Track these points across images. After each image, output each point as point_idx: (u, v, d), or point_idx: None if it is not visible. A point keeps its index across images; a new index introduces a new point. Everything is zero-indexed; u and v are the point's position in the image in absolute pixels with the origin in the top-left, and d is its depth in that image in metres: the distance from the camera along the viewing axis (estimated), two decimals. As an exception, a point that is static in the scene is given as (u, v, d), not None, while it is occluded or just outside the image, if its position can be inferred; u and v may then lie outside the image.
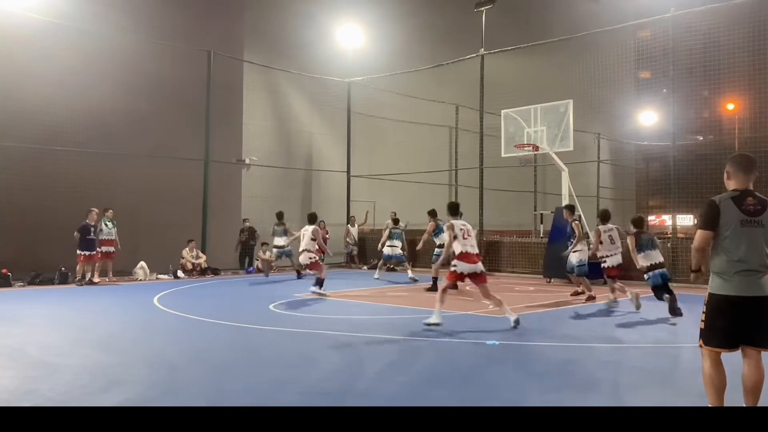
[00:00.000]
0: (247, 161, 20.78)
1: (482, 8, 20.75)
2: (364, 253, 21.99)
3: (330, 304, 11.88)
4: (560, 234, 15.13)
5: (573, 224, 12.60)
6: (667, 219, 28.58)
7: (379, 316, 10.50)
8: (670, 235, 17.53)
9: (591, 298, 12.35)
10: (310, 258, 12.96)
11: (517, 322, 9.08)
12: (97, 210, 15.64)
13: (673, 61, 17.44)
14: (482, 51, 20.06)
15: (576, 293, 13.17)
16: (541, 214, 25.13)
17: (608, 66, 31.24)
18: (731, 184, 4.63)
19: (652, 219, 38.68)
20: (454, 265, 9.18)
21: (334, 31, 23.24)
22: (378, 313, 10.94)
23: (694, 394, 5.48)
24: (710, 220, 4.51)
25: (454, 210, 9.72)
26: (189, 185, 18.59)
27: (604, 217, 11.89)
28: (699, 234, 4.58)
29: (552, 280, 16.14)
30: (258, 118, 21.35)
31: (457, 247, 9.17)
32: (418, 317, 10.29)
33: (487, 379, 6.32)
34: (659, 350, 7.89)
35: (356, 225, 22.04)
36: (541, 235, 21.29)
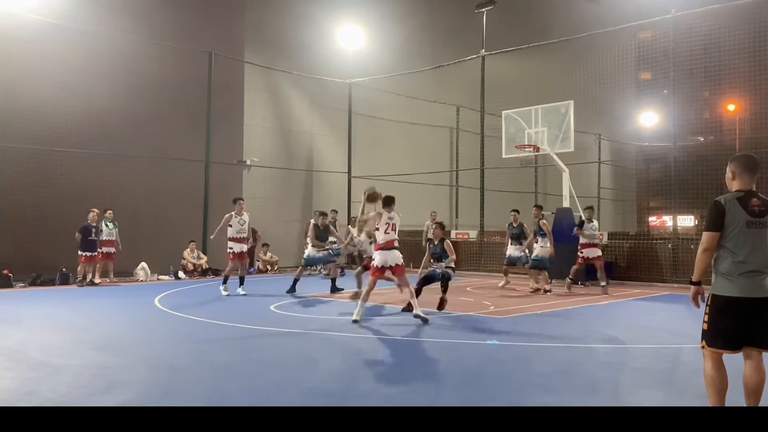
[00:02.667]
0: (248, 162, 20.77)
1: (483, 9, 20.77)
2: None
3: (331, 305, 11.87)
4: (562, 235, 15.17)
5: (541, 223, 13.88)
6: (667, 220, 28.56)
7: (379, 317, 10.48)
8: (671, 236, 17.54)
9: (546, 291, 13.54)
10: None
11: (424, 320, 9.39)
12: (97, 211, 15.64)
13: (674, 62, 17.44)
14: (483, 52, 20.07)
15: (536, 290, 13.98)
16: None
17: (609, 67, 31.24)
18: (735, 185, 4.61)
19: (652, 220, 38.65)
20: (373, 259, 9.54)
21: (334, 31, 23.24)
22: (379, 313, 10.92)
23: (694, 395, 5.48)
24: (716, 221, 4.49)
25: (387, 202, 9.90)
26: (190, 186, 18.59)
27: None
28: (705, 236, 4.54)
29: (553, 281, 16.13)
30: (259, 119, 21.36)
31: (379, 238, 9.58)
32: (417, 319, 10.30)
33: (488, 379, 6.31)
34: (659, 351, 7.87)
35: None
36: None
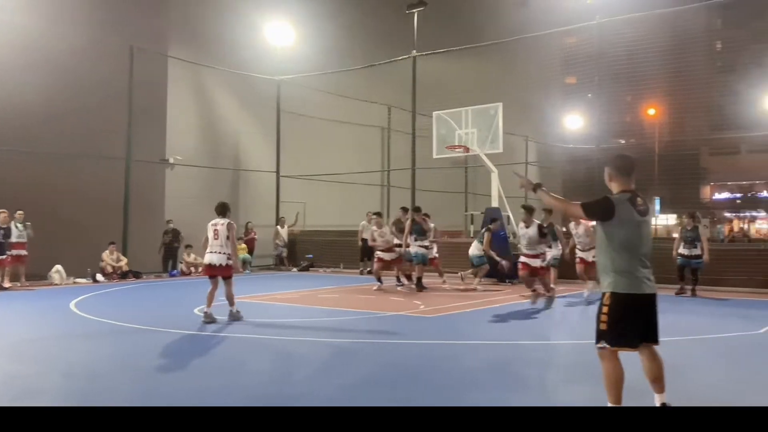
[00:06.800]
0: (171, 161, 20.05)
1: (414, 10, 20.80)
2: (294, 255, 21.61)
3: (259, 308, 11.53)
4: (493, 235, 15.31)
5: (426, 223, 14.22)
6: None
7: (309, 319, 10.26)
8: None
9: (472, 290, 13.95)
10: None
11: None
12: (6, 212, 14.75)
13: (598, 66, 17.90)
14: (414, 52, 20.07)
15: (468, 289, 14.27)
16: (472, 214, 25.43)
17: (537, 71, 31.96)
18: (615, 186, 4.65)
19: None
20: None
21: (262, 27, 22.76)
22: (309, 315, 10.70)
23: (635, 390, 5.51)
24: (603, 212, 4.50)
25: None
26: (110, 185, 17.86)
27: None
28: (578, 210, 4.62)
29: (482, 279, 16.26)
30: (183, 117, 20.68)
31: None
32: (350, 319, 10.16)
33: (418, 378, 6.23)
34: (587, 347, 7.93)
35: (286, 226, 21.64)
36: (471, 236, 21.48)
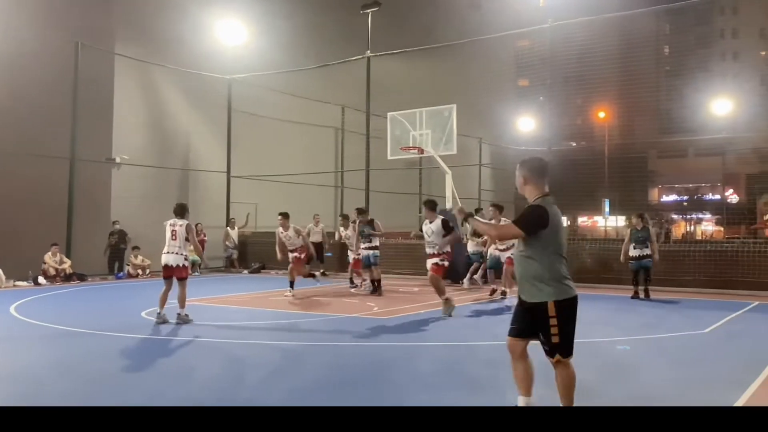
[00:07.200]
0: (118, 160, 19.44)
1: (368, 10, 20.70)
2: (244, 256, 21.25)
3: (210, 311, 11.24)
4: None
5: (375, 224, 13.94)
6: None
7: (261, 322, 10.07)
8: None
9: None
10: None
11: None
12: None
13: (550, 69, 18.12)
14: (368, 53, 19.96)
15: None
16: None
17: (490, 73, 32.24)
18: (532, 190, 4.46)
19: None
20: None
21: (213, 25, 22.30)
22: (260, 318, 10.49)
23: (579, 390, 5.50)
24: (538, 224, 4.30)
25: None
26: (53, 185, 17.30)
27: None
28: (512, 229, 4.41)
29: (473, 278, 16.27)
30: (131, 115, 20.07)
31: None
32: (302, 322, 10.03)
33: (375, 380, 6.17)
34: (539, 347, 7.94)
35: (236, 228, 21.25)
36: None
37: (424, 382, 6.10)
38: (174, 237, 9.56)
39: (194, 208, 20.84)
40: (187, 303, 9.61)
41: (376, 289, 13.65)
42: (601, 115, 37.26)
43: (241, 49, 22.59)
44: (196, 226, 20.12)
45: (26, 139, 16.91)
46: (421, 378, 6.27)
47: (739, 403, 5.26)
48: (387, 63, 21.44)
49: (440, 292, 10.48)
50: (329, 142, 26.65)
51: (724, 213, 41.88)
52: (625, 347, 7.86)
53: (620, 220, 41.43)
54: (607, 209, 39.06)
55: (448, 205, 17.59)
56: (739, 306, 11.76)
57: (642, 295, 12.82)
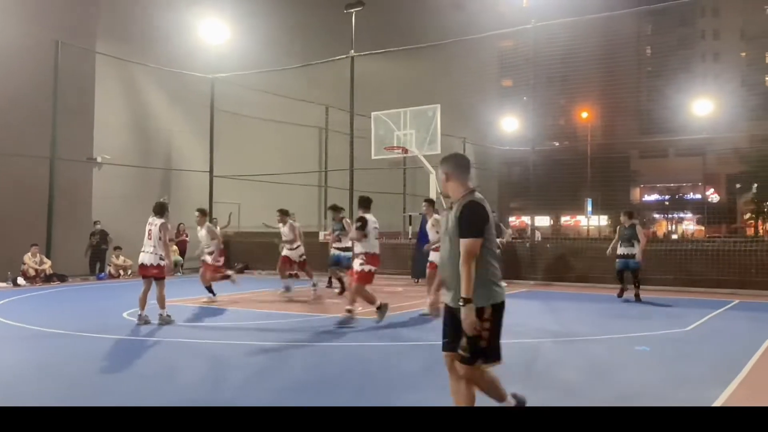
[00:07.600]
0: (99, 159, 19.26)
1: (352, 9, 20.66)
2: (227, 257, 21.06)
3: (192, 311, 11.15)
4: (427, 236, 15.26)
5: (344, 222, 13.74)
6: (527, 220, 30.01)
7: (244, 322, 10.01)
8: (528, 238, 18.27)
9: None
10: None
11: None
12: None
13: (534, 70, 18.19)
14: (352, 52, 19.93)
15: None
16: (410, 215, 25.46)
17: (474, 73, 32.33)
18: (456, 186, 4.18)
19: (512, 220, 40.57)
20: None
21: (196, 24, 22.14)
22: (243, 318, 10.42)
23: (549, 388, 5.57)
24: (482, 225, 4.02)
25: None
26: (32, 185, 17.11)
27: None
28: (472, 244, 3.94)
29: (419, 280, 16.24)
30: (112, 114, 19.89)
31: None
32: (285, 322, 9.98)
33: (357, 380, 6.15)
34: (519, 346, 7.96)
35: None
36: (410, 237, 21.48)
37: (408, 382, 6.10)
38: (149, 236, 9.47)
39: (176, 208, 20.81)
40: (168, 303, 9.52)
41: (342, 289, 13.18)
42: (584, 115, 37.55)
43: (223, 48, 22.45)
44: (179, 226, 20.07)
45: (5, 138, 16.74)
46: (405, 378, 6.28)
47: (719, 401, 5.30)
48: (371, 62, 21.41)
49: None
50: (313, 141, 26.58)
51: (705, 212, 42.39)
52: (644, 348, 7.76)
53: (602, 220, 41.82)
54: (589, 209, 39.38)
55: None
56: (720, 304, 11.89)
57: (631, 295, 12.70)
